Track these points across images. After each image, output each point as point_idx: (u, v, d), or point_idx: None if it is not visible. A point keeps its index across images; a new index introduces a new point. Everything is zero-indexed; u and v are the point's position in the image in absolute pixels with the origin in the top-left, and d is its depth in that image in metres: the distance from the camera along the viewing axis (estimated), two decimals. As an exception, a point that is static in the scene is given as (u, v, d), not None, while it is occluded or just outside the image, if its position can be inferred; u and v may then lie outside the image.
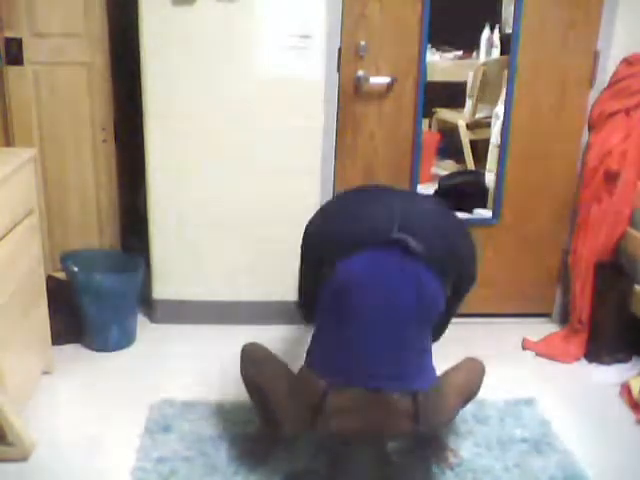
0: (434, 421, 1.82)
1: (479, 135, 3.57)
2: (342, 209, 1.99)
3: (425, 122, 3.26)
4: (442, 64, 3.66)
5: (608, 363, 2.81)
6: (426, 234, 1.81)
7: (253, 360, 2.06)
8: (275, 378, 1.94)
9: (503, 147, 2.94)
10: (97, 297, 2.69)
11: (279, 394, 1.89)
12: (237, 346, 2.15)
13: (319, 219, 2.01)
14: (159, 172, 2.83)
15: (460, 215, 3.15)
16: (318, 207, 2.84)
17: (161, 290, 2.99)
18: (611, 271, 2.82)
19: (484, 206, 3.15)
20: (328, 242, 1.88)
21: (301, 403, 1.80)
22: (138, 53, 2.66)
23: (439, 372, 1.94)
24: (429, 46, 2.87)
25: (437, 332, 2.01)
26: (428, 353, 1.85)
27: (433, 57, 3.49)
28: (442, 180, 3.56)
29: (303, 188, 2.87)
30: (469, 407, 2.37)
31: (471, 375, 2.07)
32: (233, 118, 2.77)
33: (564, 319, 3.12)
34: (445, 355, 2.06)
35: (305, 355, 1.88)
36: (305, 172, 2.85)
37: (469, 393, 2.05)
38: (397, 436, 1.94)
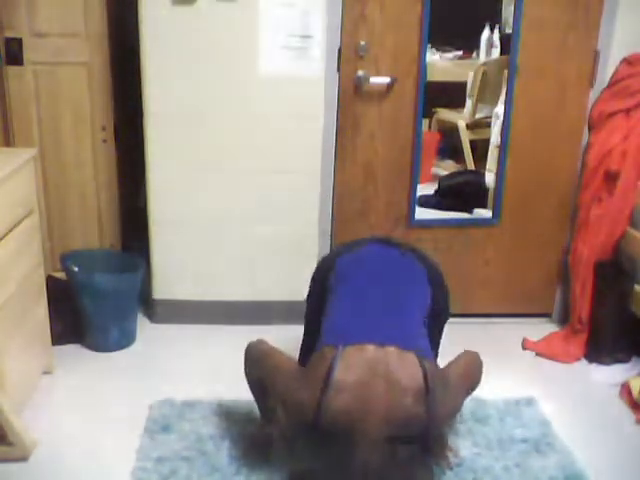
0: (442, 408, 1.78)
1: (479, 135, 3.57)
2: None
3: (425, 122, 3.27)
4: (442, 64, 3.66)
5: (608, 363, 2.81)
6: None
7: (257, 357, 2.06)
8: (277, 369, 1.94)
9: (503, 147, 2.94)
10: (97, 297, 2.69)
11: (280, 384, 1.89)
12: (237, 346, 2.15)
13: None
14: (159, 172, 2.83)
15: (460, 215, 3.19)
16: (318, 206, 2.88)
17: (161, 290, 2.99)
18: (611, 271, 2.82)
19: (484, 206, 3.15)
20: (327, 263, 2.21)
21: (307, 386, 1.76)
22: (138, 53, 2.67)
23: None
24: (429, 46, 2.87)
25: None
26: (428, 340, 1.91)
27: (433, 57, 3.49)
28: (442, 180, 3.56)
29: (303, 188, 2.87)
30: (469, 406, 2.37)
31: (470, 367, 2.08)
32: (233, 118, 2.77)
33: (564, 319, 3.12)
34: (445, 355, 2.06)
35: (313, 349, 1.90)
36: (305, 172, 2.85)
37: (471, 384, 2.06)
38: (407, 424, 1.87)
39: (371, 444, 1.72)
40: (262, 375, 2.02)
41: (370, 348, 1.75)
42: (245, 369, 2.10)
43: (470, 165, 3.61)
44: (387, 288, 2.00)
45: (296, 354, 2.07)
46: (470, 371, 2.06)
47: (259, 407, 2.17)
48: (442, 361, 2.01)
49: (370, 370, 1.72)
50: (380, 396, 1.71)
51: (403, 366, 1.74)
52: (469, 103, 3.64)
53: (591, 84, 2.86)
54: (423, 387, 1.71)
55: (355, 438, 1.72)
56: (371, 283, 2.01)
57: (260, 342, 2.10)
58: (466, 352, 2.13)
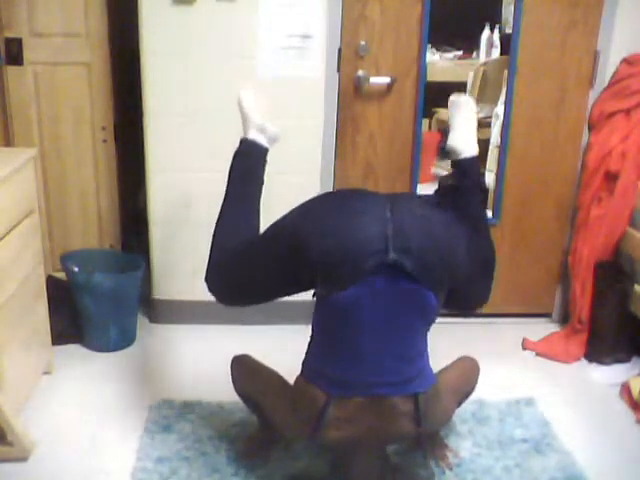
0: (434, 422, 1.83)
1: (479, 135, 3.56)
2: (334, 219, 1.75)
3: (425, 122, 3.26)
4: (442, 64, 3.65)
5: (608, 363, 2.81)
6: (421, 247, 1.69)
7: (245, 373, 2.05)
8: (270, 393, 1.93)
9: (503, 147, 2.94)
10: (97, 297, 2.69)
11: (275, 409, 1.89)
12: (237, 346, 2.16)
13: (314, 225, 1.79)
14: (159, 172, 2.83)
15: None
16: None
17: (161, 290, 3.00)
18: (611, 271, 2.82)
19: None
20: (321, 262, 1.70)
21: (300, 415, 1.79)
22: (138, 53, 2.67)
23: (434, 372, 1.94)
24: (429, 46, 2.87)
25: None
26: (425, 353, 1.84)
27: (433, 57, 3.48)
28: (442, 180, 3.55)
29: (303, 188, 2.86)
30: (469, 407, 2.37)
31: (465, 374, 2.07)
32: (233, 118, 2.76)
33: (564, 319, 3.12)
34: (444, 355, 2.06)
35: (301, 366, 1.85)
36: (305, 172, 2.85)
37: (465, 391, 2.05)
38: (399, 440, 1.93)
39: (368, 455, 1.80)
40: (251, 393, 2.02)
41: (362, 399, 1.74)
42: (233, 384, 2.07)
43: (470, 165, 3.60)
44: (387, 329, 1.75)
45: (295, 355, 2.05)
46: (463, 380, 2.05)
47: (254, 413, 2.16)
48: (441, 365, 2.00)
49: (362, 405, 1.73)
50: (373, 422, 1.73)
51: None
52: (469, 103, 3.63)
53: (591, 84, 2.86)
54: (414, 408, 1.73)
55: (352, 451, 1.81)
56: (369, 328, 1.73)
57: (246, 357, 2.08)
58: (463, 358, 2.13)
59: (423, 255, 1.69)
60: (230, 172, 2.04)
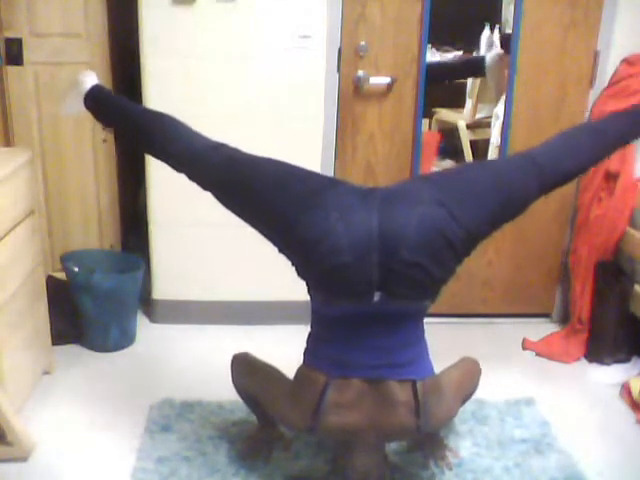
0: (435, 417, 1.81)
1: (479, 135, 3.57)
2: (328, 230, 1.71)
3: (425, 122, 3.26)
4: (442, 64, 3.65)
5: (608, 363, 2.81)
6: (411, 271, 1.70)
7: (244, 370, 2.06)
8: (269, 385, 1.93)
9: (503, 147, 2.94)
10: (97, 297, 2.69)
11: (275, 400, 1.89)
12: (237, 346, 2.15)
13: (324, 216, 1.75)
14: (159, 172, 2.83)
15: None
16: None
17: (161, 290, 3.00)
18: (611, 271, 2.82)
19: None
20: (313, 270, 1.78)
21: (300, 402, 1.79)
22: (138, 53, 2.67)
23: (436, 371, 1.94)
24: (429, 46, 2.88)
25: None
26: (423, 339, 1.86)
27: (433, 57, 3.49)
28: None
29: (303, 188, 2.87)
30: (469, 407, 2.37)
31: (468, 373, 2.07)
32: (233, 118, 2.77)
33: (564, 319, 3.12)
34: (444, 355, 2.05)
35: (302, 355, 1.87)
36: (305, 172, 2.85)
37: (467, 390, 2.05)
38: (400, 434, 1.92)
39: (367, 451, 1.79)
40: (251, 390, 2.02)
41: (360, 382, 1.76)
42: (233, 382, 2.08)
43: (470, 165, 3.61)
44: (381, 322, 1.80)
45: (296, 354, 2.05)
46: (466, 379, 2.05)
47: (254, 412, 2.16)
48: (441, 364, 2.01)
49: (361, 390, 1.75)
50: (372, 411, 1.74)
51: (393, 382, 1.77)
52: (469, 103, 3.63)
53: (591, 84, 2.86)
54: (412, 398, 1.74)
55: (351, 447, 1.80)
56: (364, 323, 1.78)
57: (246, 355, 2.09)
58: (465, 359, 2.13)
59: (413, 277, 1.71)
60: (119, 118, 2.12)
